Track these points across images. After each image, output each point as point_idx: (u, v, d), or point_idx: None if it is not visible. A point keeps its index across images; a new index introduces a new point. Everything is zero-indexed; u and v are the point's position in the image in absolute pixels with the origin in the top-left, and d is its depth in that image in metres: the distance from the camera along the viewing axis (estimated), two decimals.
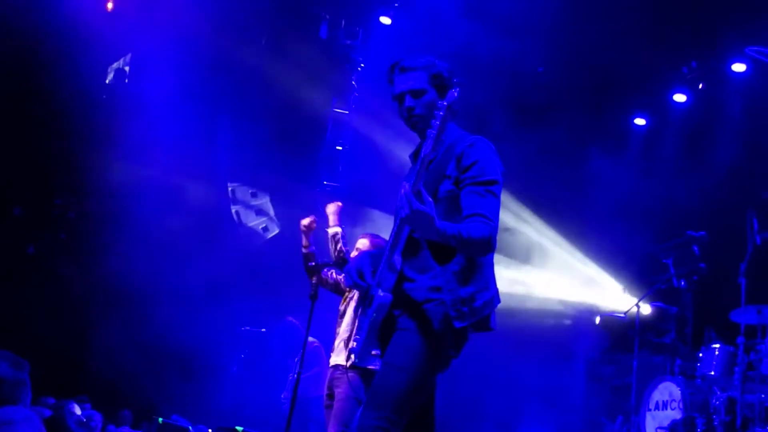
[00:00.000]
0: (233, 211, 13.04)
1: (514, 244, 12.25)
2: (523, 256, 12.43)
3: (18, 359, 4.67)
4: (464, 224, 3.79)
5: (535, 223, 12.37)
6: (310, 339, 8.13)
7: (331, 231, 6.99)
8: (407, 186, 3.66)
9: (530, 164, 11.09)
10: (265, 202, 13.22)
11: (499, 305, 4.01)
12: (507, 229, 11.82)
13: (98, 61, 11.98)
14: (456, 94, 3.72)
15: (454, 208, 3.87)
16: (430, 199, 3.65)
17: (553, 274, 12.46)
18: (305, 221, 7.08)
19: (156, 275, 10.98)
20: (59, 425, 5.53)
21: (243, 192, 13.21)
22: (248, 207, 13.21)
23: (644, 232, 11.42)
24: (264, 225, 13.25)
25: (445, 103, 3.69)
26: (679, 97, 12.10)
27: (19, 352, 5.19)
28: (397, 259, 3.94)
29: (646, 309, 9.89)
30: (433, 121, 3.72)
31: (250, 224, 13.16)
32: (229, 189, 13.04)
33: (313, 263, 6.97)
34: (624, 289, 11.84)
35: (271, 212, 13.22)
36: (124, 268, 11.14)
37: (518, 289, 12.06)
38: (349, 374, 6.46)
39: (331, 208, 7.13)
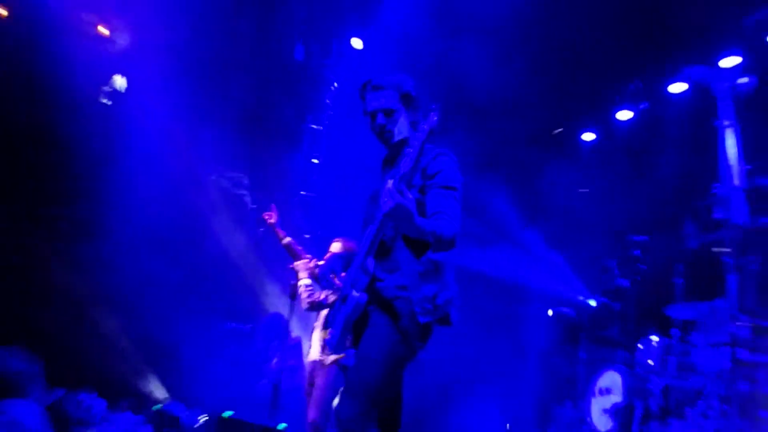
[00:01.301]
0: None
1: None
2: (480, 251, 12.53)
3: (31, 356, 4.80)
4: (436, 222, 3.92)
5: (491, 225, 12.45)
6: (293, 335, 8.32)
7: (300, 283, 6.93)
8: (391, 183, 3.74)
9: (486, 173, 11.26)
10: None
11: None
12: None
13: (91, 78, 12.03)
14: (436, 119, 3.79)
15: (420, 213, 3.95)
16: (411, 196, 3.77)
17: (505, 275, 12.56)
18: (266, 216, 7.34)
19: (150, 277, 11.05)
20: (60, 410, 5.71)
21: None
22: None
23: (592, 237, 11.57)
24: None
25: (426, 128, 3.78)
26: (625, 115, 12.25)
27: (32, 349, 5.41)
28: (370, 262, 4.09)
29: (592, 305, 10.13)
30: (413, 141, 3.82)
31: None
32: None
33: (297, 256, 7.10)
34: (573, 288, 11.98)
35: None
36: (121, 271, 11.24)
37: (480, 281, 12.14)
38: (327, 367, 6.67)
39: (302, 263, 7.04)
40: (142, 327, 11.21)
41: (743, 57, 9.71)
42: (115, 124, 11.88)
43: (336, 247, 6.93)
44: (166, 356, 11.37)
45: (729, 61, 9.77)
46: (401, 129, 4.24)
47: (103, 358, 11.00)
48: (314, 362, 6.92)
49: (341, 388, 4.12)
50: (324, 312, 6.85)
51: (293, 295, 7.08)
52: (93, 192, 11.81)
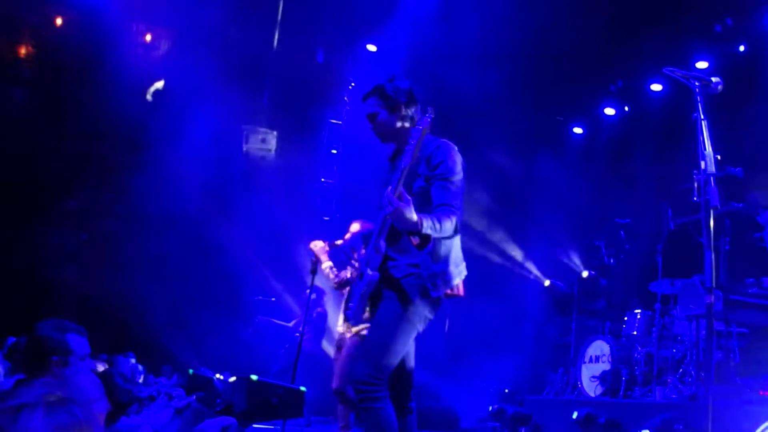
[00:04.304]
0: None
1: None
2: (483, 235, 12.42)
3: (78, 327, 4.66)
4: (436, 215, 3.81)
5: (493, 212, 12.35)
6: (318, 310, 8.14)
7: (324, 266, 6.53)
8: (390, 188, 3.68)
9: (486, 164, 11.20)
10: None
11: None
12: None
13: (140, 83, 12.03)
14: (429, 119, 3.72)
15: (425, 201, 3.91)
16: (410, 197, 3.67)
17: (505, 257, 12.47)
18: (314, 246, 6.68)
19: (188, 255, 11.04)
20: (108, 381, 5.54)
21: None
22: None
23: (581, 220, 11.53)
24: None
25: (420, 128, 3.69)
26: (609, 111, 12.31)
27: (78, 316, 5.25)
28: (382, 243, 3.98)
29: (582, 281, 9.93)
30: (411, 139, 3.73)
31: None
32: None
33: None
34: (565, 265, 11.92)
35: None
36: (160, 249, 11.17)
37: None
38: (350, 338, 6.53)
39: (319, 247, 6.57)
40: (181, 301, 11.17)
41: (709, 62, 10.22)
42: (158, 119, 11.82)
43: (355, 227, 6.70)
44: (202, 325, 11.35)
45: (700, 65, 10.27)
46: (388, 127, 4.17)
47: (144, 327, 10.97)
48: (341, 334, 6.79)
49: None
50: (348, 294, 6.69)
51: (313, 270, 6.84)
52: (140, 180, 11.79)
